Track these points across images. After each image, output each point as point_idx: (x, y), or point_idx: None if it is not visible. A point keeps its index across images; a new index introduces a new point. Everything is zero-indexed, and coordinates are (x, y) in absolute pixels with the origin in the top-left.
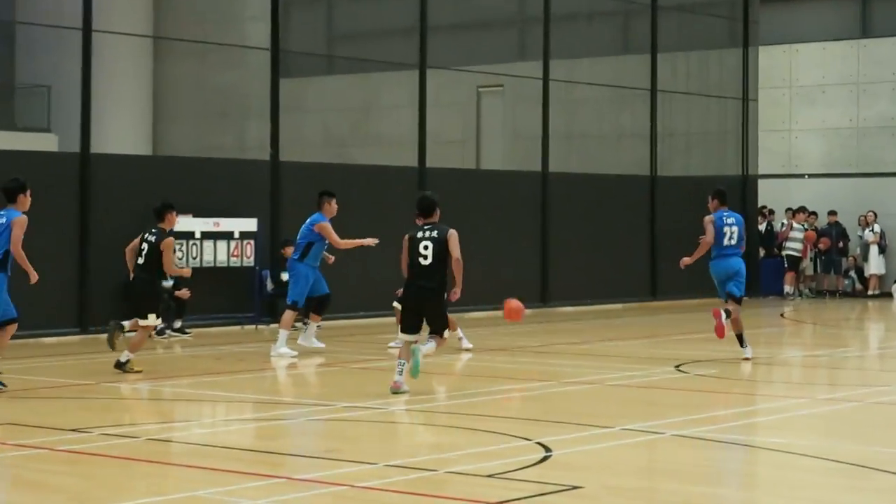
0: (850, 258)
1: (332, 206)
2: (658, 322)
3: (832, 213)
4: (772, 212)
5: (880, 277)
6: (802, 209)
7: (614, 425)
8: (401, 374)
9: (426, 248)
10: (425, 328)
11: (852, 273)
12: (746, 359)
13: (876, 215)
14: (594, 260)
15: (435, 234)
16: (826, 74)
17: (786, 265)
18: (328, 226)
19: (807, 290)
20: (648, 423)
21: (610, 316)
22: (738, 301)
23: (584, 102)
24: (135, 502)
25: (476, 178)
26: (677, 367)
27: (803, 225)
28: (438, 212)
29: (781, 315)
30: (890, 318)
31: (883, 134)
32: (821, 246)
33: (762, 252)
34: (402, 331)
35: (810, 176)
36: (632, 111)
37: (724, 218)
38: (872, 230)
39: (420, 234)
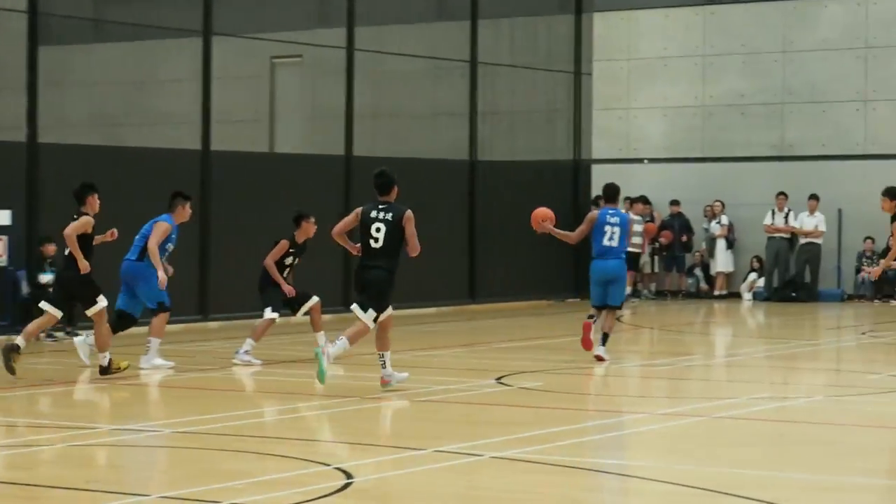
0: (696, 254)
1: (186, 211)
2: (477, 328)
3: (675, 202)
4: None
5: (728, 276)
6: (642, 199)
7: (426, 447)
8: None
9: (378, 230)
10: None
11: (697, 271)
12: (599, 357)
13: (724, 205)
14: (402, 257)
15: (390, 215)
16: (668, 46)
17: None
18: (165, 227)
19: (646, 291)
20: (465, 444)
21: (423, 322)
22: (615, 309)
23: (395, 76)
24: None
25: (269, 162)
26: (499, 379)
27: (642, 217)
28: (396, 190)
29: (617, 319)
30: (738, 322)
31: (731, 113)
32: (662, 240)
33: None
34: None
35: (650, 161)
36: (449, 86)
37: (609, 216)
38: (719, 222)
39: (374, 214)
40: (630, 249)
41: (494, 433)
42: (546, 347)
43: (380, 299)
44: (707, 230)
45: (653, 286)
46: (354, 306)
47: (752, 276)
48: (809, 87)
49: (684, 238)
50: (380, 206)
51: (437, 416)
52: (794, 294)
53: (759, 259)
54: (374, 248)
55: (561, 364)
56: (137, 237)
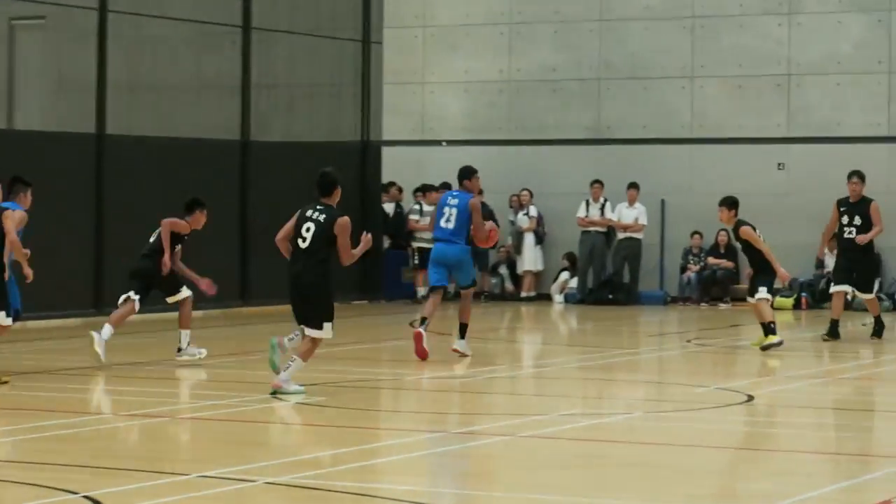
0: (500, 250)
1: (28, 198)
2: (249, 334)
3: (445, 185)
4: (401, 189)
5: (537, 275)
6: (445, 185)
7: (189, 471)
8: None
9: (308, 230)
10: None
11: (502, 269)
12: (457, 351)
13: (532, 195)
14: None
15: (322, 217)
16: (471, 12)
17: (416, 260)
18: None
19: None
20: (235, 468)
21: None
22: (467, 290)
23: (155, 43)
24: None
25: (8, 140)
26: (274, 393)
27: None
28: (338, 193)
29: (411, 325)
30: (548, 327)
31: (542, 90)
32: None
33: (387, 242)
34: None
35: (449, 143)
36: (218, 55)
37: (449, 198)
38: (527, 214)
39: (308, 213)
40: (422, 245)
41: (269, 455)
42: (330, 357)
43: (328, 309)
44: (513, 223)
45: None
46: (308, 329)
47: (564, 275)
48: (630, 61)
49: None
50: (317, 207)
51: (203, 435)
52: (611, 296)
53: (571, 256)
54: (301, 249)
55: (348, 376)
56: None
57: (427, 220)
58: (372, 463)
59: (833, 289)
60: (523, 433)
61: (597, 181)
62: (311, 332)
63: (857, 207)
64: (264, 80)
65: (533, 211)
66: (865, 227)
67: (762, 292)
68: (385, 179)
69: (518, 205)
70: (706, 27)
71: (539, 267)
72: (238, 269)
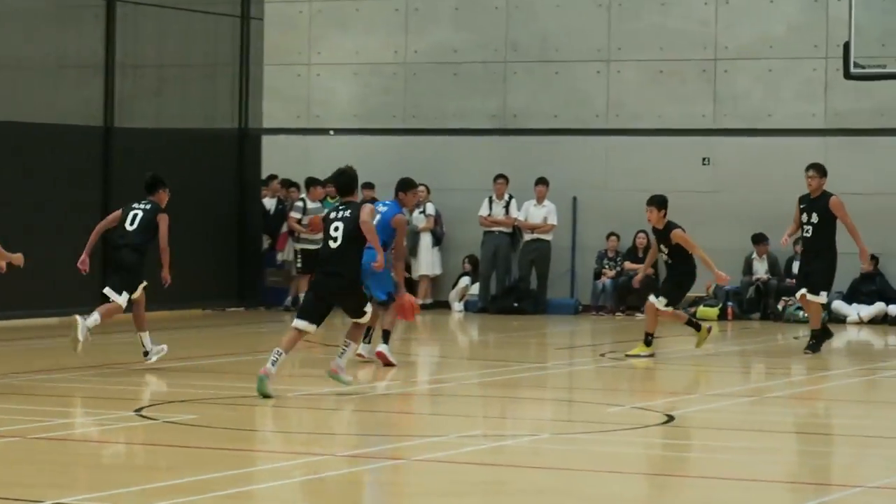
0: None
1: None
2: (112, 344)
3: (368, 185)
4: (288, 183)
5: (434, 280)
6: (368, 185)
7: (44, 498)
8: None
9: (336, 229)
10: None
11: None
12: (361, 356)
13: (429, 190)
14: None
15: (348, 214)
16: None
17: (299, 265)
18: None
19: None
20: (95, 494)
21: (39, 336)
22: (384, 305)
23: (7, 17)
24: None
25: None
26: (139, 410)
27: (324, 203)
28: (357, 190)
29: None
30: (447, 339)
31: (441, 74)
32: None
33: (267, 242)
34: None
35: (337, 132)
36: (78, 31)
37: (380, 206)
38: (424, 212)
39: (333, 214)
40: (305, 247)
41: (132, 480)
42: (201, 370)
43: (364, 297)
44: (408, 222)
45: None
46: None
47: (465, 280)
48: (539, 42)
49: None
50: (339, 207)
51: (59, 457)
52: (516, 304)
53: (473, 259)
54: (332, 249)
55: (221, 392)
56: None
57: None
58: (246, 489)
59: (800, 294)
60: (417, 457)
61: (501, 176)
62: (357, 320)
63: (816, 204)
64: (130, 60)
65: (430, 209)
66: (823, 225)
67: (661, 301)
68: (265, 172)
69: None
70: (624, 5)
71: (436, 271)
72: (98, 267)
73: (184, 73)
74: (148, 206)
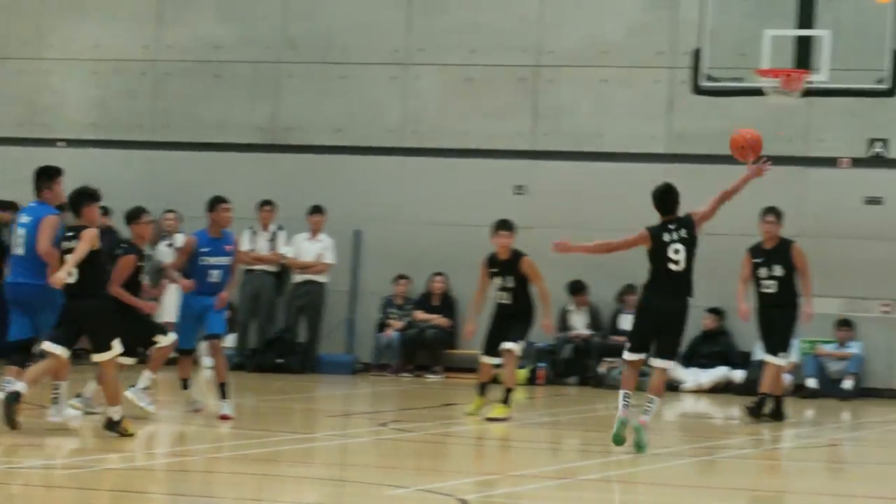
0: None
1: None
2: None
3: (103, 210)
4: (4, 205)
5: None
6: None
7: None
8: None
9: (677, 251)
10: None
11: None
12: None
13: (180, 218)
14: None
15: (684, 232)
16: None
17: None
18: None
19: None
20: None
21: None
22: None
23: None
24: None
25: None
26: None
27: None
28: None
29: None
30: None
31: (200, 75)
32: None
33: None
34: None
35: (69, 143)
36: None
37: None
38: (172, 244)
39: (668, 237)
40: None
41: None
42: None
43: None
44: (150, 257)
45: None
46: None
47: None
48: (322, 40)
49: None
50: (669, 225)
51: None
52: (280, 360)
53: (229, 304)
54: (675, 272)
55: None
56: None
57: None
58: None
59: (762, 357)
60: None
61: (267, 202)
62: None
63: (776, 254)
64: None
65: (180, 240)
66: (789, 277)
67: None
68: None
69: (159, 232)
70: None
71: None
72: None
73: None
74: None
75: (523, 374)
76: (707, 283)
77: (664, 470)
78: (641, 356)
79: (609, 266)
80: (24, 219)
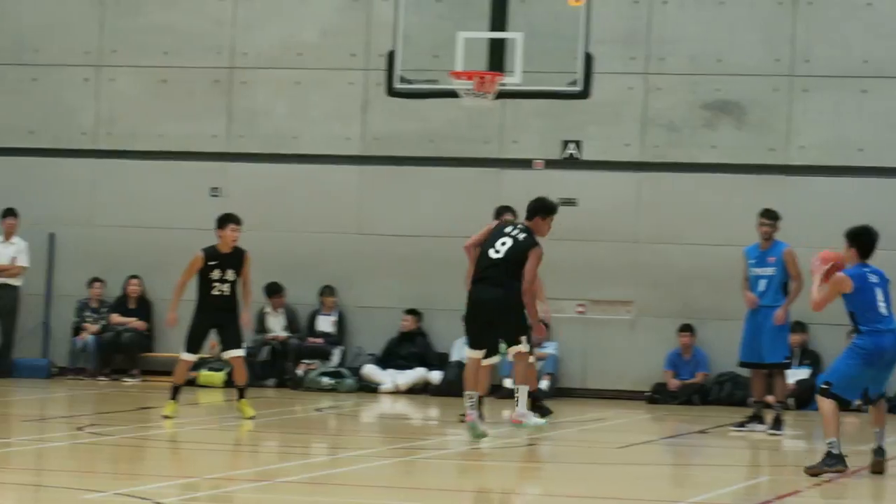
0: None
1: None
2: None
3: None
4: None
5: None
6: None
7: None
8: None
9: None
10: None
11: None
12: None
13: None
14: None
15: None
16: None
17: None
18: None
19: None
20: None
21: None
22: None
23: None
24: None
25: None
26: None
27: None
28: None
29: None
30: None
31: None
32: None
33: None
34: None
35: None
36: None
37: None
38: None
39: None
40: None
41: None
42: None
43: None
44: None
45: None
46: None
47: None
48: (13, 41)
49: None
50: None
51: None
52: None
53: None
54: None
55: None
56: None
57: None
58: None
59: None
60: None
61: None
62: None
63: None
64: None
65: None
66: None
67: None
68: None
69: None
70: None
71: None
72: None
73: None
74: None
75: (221, 376)
76: (403, 285)
77: (364, 471)
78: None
79: (310, 267)
80: None
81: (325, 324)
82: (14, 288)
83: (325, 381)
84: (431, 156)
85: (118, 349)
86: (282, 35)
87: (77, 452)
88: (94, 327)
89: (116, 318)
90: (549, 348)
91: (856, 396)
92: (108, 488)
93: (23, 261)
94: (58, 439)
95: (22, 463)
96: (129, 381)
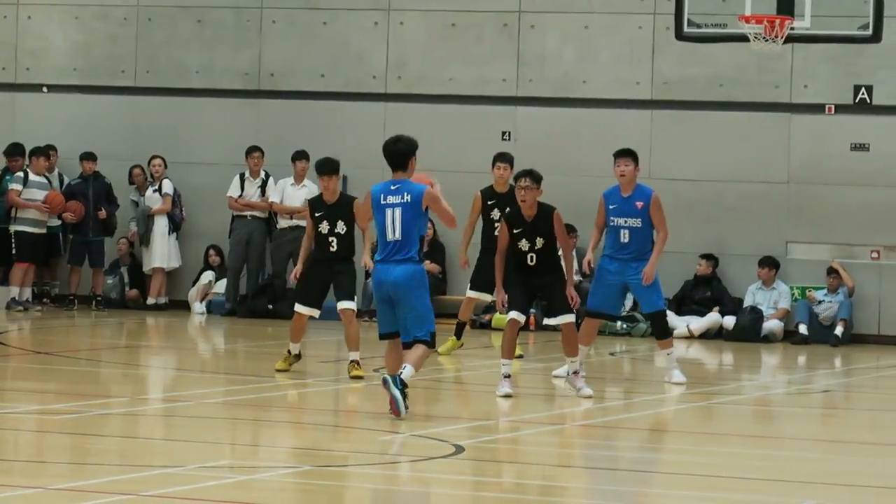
0: (121, 241)
1: None
2: None
3: (88, 157)
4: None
5: (171, 274)
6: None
7: None
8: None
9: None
10: None
11: (123, 267)
12: None
13: (166, 164)
14: None
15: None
16: None
17: (14, 250)
18: None
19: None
20: None
21: None
22: None
23: None
24: None
25: None
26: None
27: (47, 178)
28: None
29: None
30: (185, 347)
31: (184, 20)
32: (69, 216)
33: None
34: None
35: (52, 89)
36: None
37: None
38: (159, 190)
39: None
40: (23, 228)
41: None
42: None
43: None
44: (137, 203)
45: (55, 288)
46: None
47: (208, 275)
48: None
49: (102, 213)
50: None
51: None
52: (271, 306)
53: (219, 250)
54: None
55: None
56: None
57: (40, 193)
58: None
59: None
60: (148, 491)
61: (256, 148)
62: None
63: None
64: None
65: (167, 186)
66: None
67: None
68: None
69: (144, 178)
70: None
71: (174, 264)
72: None
73: None
74: None
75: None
76: (696, 229)
77: (658, 416)
78: None
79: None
80: None
81: None
82: None
83: (619, 325)
84: (721, 100)
85: None
86: None
87: (373, 394)
88: None
89: None
90: (843, 295)
91: None
92: (406, 430)
93: None
94: (352, 381)
95: (319, 404)
96: None
